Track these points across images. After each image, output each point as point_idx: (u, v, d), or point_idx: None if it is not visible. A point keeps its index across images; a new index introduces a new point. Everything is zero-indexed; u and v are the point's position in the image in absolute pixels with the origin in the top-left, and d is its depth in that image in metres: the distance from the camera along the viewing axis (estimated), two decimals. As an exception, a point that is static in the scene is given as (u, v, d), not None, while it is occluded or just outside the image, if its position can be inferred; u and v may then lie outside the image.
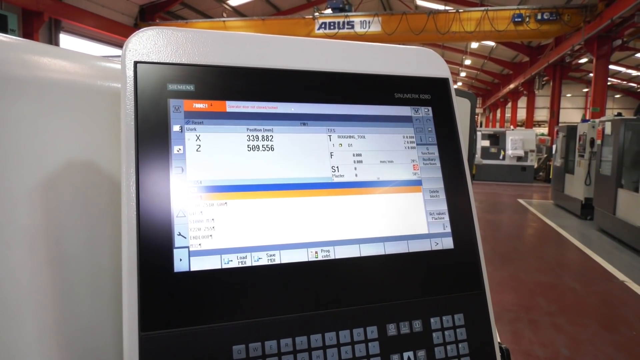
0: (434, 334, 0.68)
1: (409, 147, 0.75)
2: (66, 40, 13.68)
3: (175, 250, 0.60)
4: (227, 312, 0.60)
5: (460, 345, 0.69)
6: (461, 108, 4.24)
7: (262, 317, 0.61)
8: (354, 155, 0.71)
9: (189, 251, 0.61)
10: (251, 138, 0.67)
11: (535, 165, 15.96)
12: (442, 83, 0.79)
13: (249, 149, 0.66)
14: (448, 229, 0.74)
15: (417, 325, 0.68)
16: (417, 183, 0.74)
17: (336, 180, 0.70)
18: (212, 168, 0.64)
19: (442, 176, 0.76)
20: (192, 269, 0.60)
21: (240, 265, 0.62)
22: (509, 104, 27.42)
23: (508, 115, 28.28)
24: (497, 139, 15.67)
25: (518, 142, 15.24)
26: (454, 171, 0.77)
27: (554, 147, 11.63)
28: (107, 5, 13.86)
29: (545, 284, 5.43)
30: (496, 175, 15.35)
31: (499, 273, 5.79)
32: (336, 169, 0.70)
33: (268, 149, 0.67)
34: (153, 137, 0.62)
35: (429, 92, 0.78)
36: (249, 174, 0.65)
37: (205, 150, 0.64)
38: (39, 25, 11.42)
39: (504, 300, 4.90)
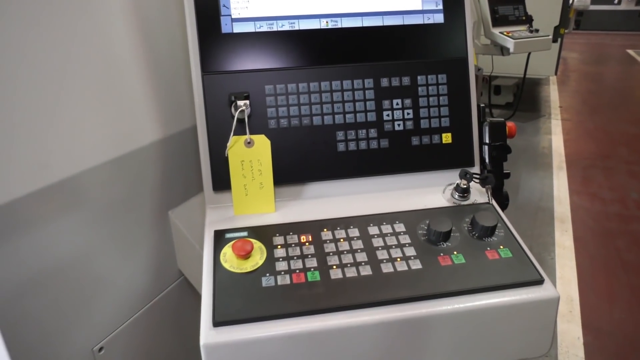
0: (420, 88, 0.89)
1: None
2: None
3: (221, 18, 0.83)
4: (261, 61, 0.84)
5: (441, 98, 0.90)
6: None
7: (284, 67, 0.85)
8: (360, -58, 0.86)
9: (231, 18, 0.84)
10: None
11: (659, 10, 13.74)
12: None
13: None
14: (440, 7, 0.89)
15: (406, 80, 0.89)
16: (416, -34, 0.88)
17: (345, -37, 0.86)
18: (245, -46, 0.83)
19: (440, -40, 0.88)
20: (234, 32, 0.84)
21: (269, 30, 0.85)
22: None
23: (637, -51, 23.61)
24: (614, -21, 13.47)
25: (641, -18, 13.02)
26: (451, -45, 0.89)
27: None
28: None
29: (633, 134, 5.19)
30: (607, 23, 13.54)
31: (584, 125, 5.60)
32: (345, -46, 0.86)
33: (288, -62, 0.84)
34: None
35: None
36: (273, -42, 0.84)
37: (239, -61, 0.83)
38: None
39: (582, 149, 4.83)
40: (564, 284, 2.78)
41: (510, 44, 4.19)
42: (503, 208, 0.95)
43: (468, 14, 0.90)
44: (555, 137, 5.30)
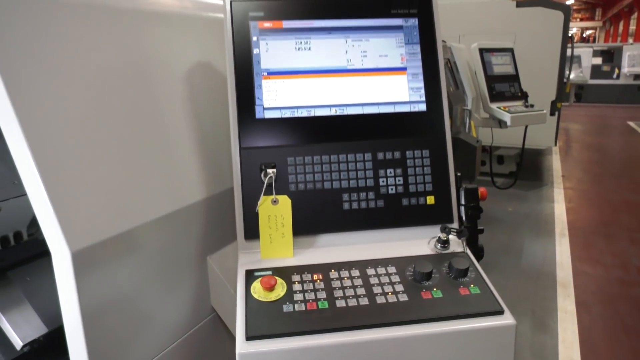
0: (408, 160, 1.13)
1: (399, 46, 1.16)
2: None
3: (256, 107, 1.10)
4: (285, 139, 1.10)
5: (425, 168, 1.14)
6: (552, 20, 4.46)
7: (303, 144, 1.11)
8: (361, 52, 1.15)
9: (263, 107, 1.11)
10: (297, 43, 1.13)
11: (657, 84, 14.31)
12: (426, 0, 1.17)
13: (296, 49, 1.13)
14: (423, 99, 1.16)
15: (397, 154, 1.13)
16: (403, 69, 1.16)
17: (349, 67, 1.14)
18: (275, 61, 1.12)
19: (422, 65, 1.16)
20: (265, 117, 1.11)
21: (291, 116, 1.11)
22: (635, 14, 24.04)
23: (633, 28, 24.90)
24: (611, 56, 14.17)
25: (637, 58, 13.69)
26: (431, 61, 1.16)
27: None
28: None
29: (634, 202, 5.36)
30: (607, 96, 14.08)
31: (586, 193, 5.80)
32: (349, 60, 1.14)
33: (307, 49, 1.13)
34: (241, 44, 1.10)
35: (416, 8, 1.17)
36: (296, 64, 1.13)
37: (270, 51, 1.12)
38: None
39: (584, 216, 5.00)
40: (567, 347, 2.86)
41: (507, 117, 4.52)
42: (479, 258, 1.15)
43: (445, 104, 1.16)
44: (558, 204, 5.48)
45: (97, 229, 0.91)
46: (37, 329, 1.35)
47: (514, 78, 4.82)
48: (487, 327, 0.90)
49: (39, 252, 1.48)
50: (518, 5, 6.35)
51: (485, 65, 4.71)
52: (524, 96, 4.78)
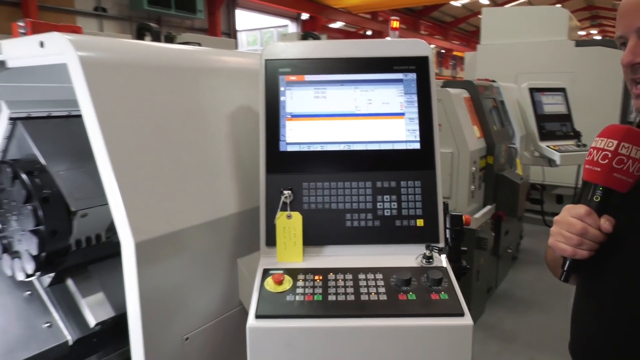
0: (402, 189, 1.37)
1: (399, 95, 1.42)
2: (241, 14, 15.32)
3: (280, 142, 1.40)
4: (301, 170, 1.38)
5: (416, 196, 1.37)
6: (613, 59, 4.60)
7: (315, 173, 1.38)
8: (367, 100, 1.42)
9: (286, 142, 1.40)
10: (316, 92, 1.42)
11: None
12: (424, 59, 1.43)
13: (314, 97, 1.42)
14: (417, 138, 1.40)
15: (393, 184, 1.38)
16: (402, 114, 1.41)
17: (357, 112, 1.42)
18: (297, 107, 1.42)
19: (417, 111, 1.41)
20: (287, 150, 1.40)
21: (308, 150, 1.40)
22: None
23: None
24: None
25: None
26: (425, 108, 1.41)
27: None
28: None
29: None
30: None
31: None
32: (357, 106, 1.42)
33: (324, 97, 1.42)
34: (272, 93, 1.42)
35: (415, 65, 1.42)
36: (314, 109, 1.42)
37: (294, 99, 1.42)
38: (220, 3, 13.34)
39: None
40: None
41: (556, 156, 4.54)
42: (461, 275, 1.35)
43: (436, 142, 1.40)
44: (617, 247, 5.27)
45: (155, 227, 1.23)
46: (107, 312, 1.69)
47: (566, 117, 4.83)
48: (447, 325, 1.11)
49: (113, 252, 1.85)
50: (577, 44, 6.33)
51: (535, 104, 4.77)
52: (576, 135, 4.76)
